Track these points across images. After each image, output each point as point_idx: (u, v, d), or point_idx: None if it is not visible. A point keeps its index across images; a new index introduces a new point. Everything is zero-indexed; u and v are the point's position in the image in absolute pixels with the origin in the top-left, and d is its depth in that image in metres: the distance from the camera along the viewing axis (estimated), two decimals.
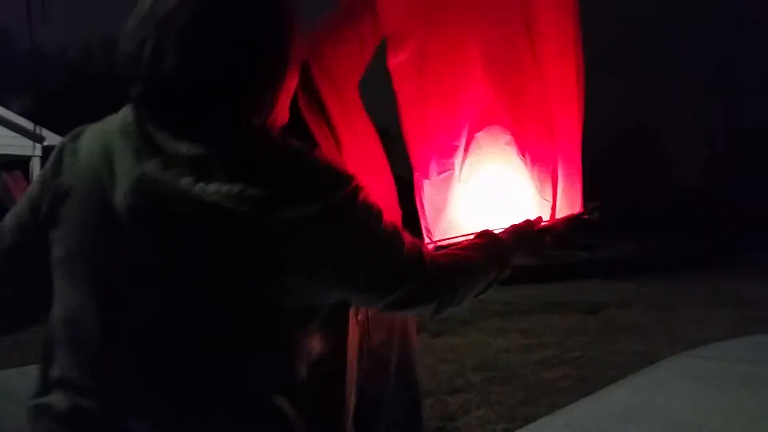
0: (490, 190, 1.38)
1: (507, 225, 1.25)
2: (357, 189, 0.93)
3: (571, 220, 1.36)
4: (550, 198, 1.37)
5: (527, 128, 1.37)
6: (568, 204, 1.40)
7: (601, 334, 7.23)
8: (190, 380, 0.89)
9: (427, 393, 4.40)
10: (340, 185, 0.91)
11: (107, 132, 0.97)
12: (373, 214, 0.95)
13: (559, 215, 1.35)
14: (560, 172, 1.39)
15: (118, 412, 0.89)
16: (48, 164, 1.00)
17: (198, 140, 0.88)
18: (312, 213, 0.87)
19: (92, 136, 0.99)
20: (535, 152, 1.37)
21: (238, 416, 0.90)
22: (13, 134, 12.24)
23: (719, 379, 5.19)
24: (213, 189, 0.85)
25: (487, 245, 1.14)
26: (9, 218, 1.02)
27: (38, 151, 12.35)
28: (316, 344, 0.97)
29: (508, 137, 1.36)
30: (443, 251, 1.12)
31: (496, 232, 1.20)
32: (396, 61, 1.41)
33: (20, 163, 12.29)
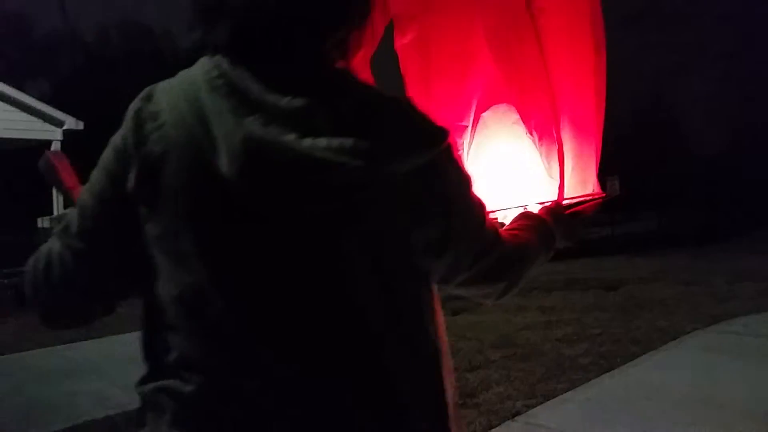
0: (498, 169, 1.37)
1: (517, 205, 1.24)
2: (451, 143, 0.89)
3: (597, 203, 1.36)
4: (557, 177, 1.36)
5: (534, 106, 1.37)
6: (581, 183, 1.39)
7: (622, 311, 7.21)
8: (330, 350, 0.84)
9: None
10: (442, 136, 0.86)
11: (191, 89, 0.86)
12: (464, 173, 0.93)
13: (569, 194, 1.35)
14: (572, 151, 1.38)
15: (253, 388, 0.84)
16: (124, 132, 0.88)
17: (297, 90, 0.81)
18: (421, 164, 0.83)
19: (172, 95, 0.87)
20: (543, 131, 1.37)
21: (385, 387, 0.86)
22: (34, 119, 12.35)
23: (742, 354, 5.16)
24: (323, 144, 0.78)
25: (538, 228, 1.13)
26: (87, 197, 0.91)
27: (58, 136, 12.47)
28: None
29: (515, 116, 1.36)
30: (507, 230, 1.10)
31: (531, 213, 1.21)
32: (402, 42, 1.42)
33: (41, 148, 12.42)
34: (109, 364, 5.50)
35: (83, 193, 0.92)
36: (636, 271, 10.05)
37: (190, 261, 0.84)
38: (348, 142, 0.78)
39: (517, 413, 4.04)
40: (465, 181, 0.93)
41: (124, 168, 0.87)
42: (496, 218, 1.05)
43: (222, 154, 0.80)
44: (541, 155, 1.36)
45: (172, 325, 0.86)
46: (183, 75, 0.89)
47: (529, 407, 4.13)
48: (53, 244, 0.92)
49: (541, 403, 4.22)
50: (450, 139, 0.87)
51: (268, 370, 0.84)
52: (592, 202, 1.35)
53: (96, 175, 0.91)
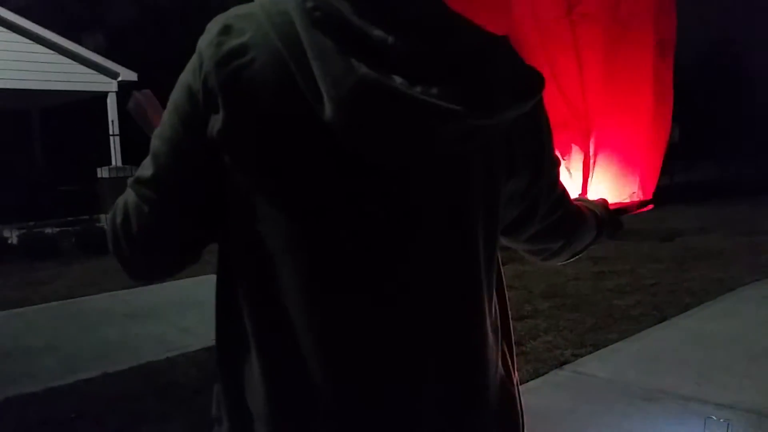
0: None
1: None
2: None
3: (642, 206, 1.37)
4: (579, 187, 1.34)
5: (563, 117, 1.31)
6: (617, 192, 1.36)
7: (677, 261, 7.05)
8: (454, 306, 0.83)
9: None
10: (542, 82, 0.80)
11: (282, 21, 0.75)
12: (550, 124, 0.91)
13: (603, 196, 1.31)
14: (609, 163, 1.34)
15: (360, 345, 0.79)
16: (202, 71, 0.77)
17: (404, 26, 0.74)
18: (522, 113, 0.79)
19: (259, 27, 0.77)
20: (569, 140, 1.32)
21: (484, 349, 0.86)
22: (90, 71, 12.63)
23: None
24: (435, 92, 0.71)
25: (593, 210, 1.13)
26: (159, 144, 0.82)
27: (114, 87, 12.74)
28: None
29: None
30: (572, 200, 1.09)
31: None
32: None
33: (98, 99, 12.74)
34: (168, 308, 5.71)
35: (154, 139, 0.83)
36: (694, 222, 9.78)
37: (296, 218, 0.77)
38: (461, 90, 0.73)
39: (565, 362, 4.05)
40: (551, 135, 0.91)
41: (204, 111, 0.77)
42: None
43: (326, 99, 0.72)
44: (564, 167, 1.32)
45: (269, 285, 0.79)
46: (266, 1, 0.78)
47: (577, 357, 4.13)
48: (128, 196, 0.85)
49: (591, 352, 4.21)
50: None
51: (383, 330, 0.79)
52: (636, 203, 1.36)
53: (168, 118, 0.81)
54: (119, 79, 12.81)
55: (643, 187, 1.39)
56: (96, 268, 7.87)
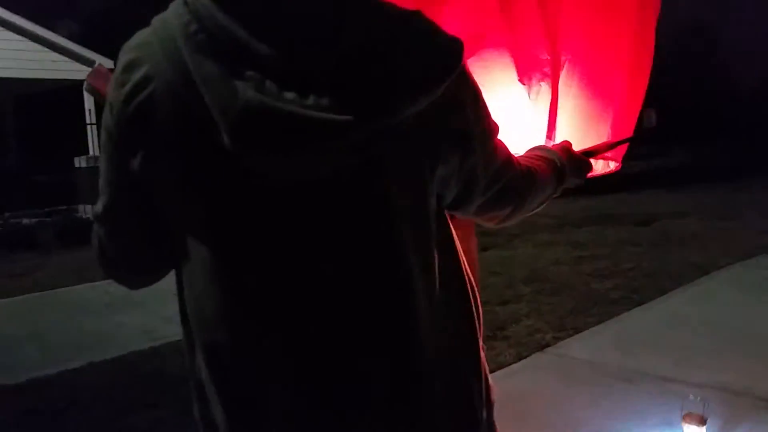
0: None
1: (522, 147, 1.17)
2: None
3: (612, 146, 1.30)
4: (544, 127, 1.27)
5: (529, 53, 1.24)
6: (588, 134, 1.30)
7: (655, 246, 7.17)
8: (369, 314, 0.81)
9: None
10: (458, 58, 0.77)
11: (171, 47, 0.74)
12: (477, 92, 0.86)
13: (576, 140, 1.24)
14: (580, 103, 1.28)
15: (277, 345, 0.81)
16: (113, 112, 0.80)
17: (291, 26, 0.72)
18: (437, 99, 0.76)
19: (153, 55, 0.76)
20: (537, 78, 1.26)
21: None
22: (64, 59, 12.42)
23: None
24: (326, 103, 0.70)
25: (550, 161, 1.10)
26: (103, 183, 0.87)
27: None
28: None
29: (507, 59, 1.23)
30: (518, 156, 1.05)
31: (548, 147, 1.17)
32: None
33: (73, 88, 12.55)
34: (150, 298, 5.65)
35: (100, 178, 0.88)
36: (670, 206, 9.93)
37: (216, 243, 0.79)
38: (356, 96, 0.71)
39: (547, 345, 4.11)
40: (480, 105, 0.87)
41: (122, 149, 0.80)
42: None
43: (221, 127, 0.71)
44: (532, 99, 1.26)
45: (205, 293, 0.82)
46: (158, 26, 0.78)
47: (558, 340, 4.20)
48: (96, 227, 0.92)
49: (571, 335, 4.28)
50: (464, 56, 0.79)
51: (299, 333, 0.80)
52: (605, 143, 1.29)
53: (102, 163, 0.86)
54: (95, 66, 12.62)
55: (615, 128, 1.33)
56: (76, 259, 7.79)
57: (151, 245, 0.89)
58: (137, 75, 0.77)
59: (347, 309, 0.80)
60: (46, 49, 12.12)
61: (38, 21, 12.30)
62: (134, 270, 0.94)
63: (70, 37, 13.25)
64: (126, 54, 0.80)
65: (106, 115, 0.81)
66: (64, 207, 11.26)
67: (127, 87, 0.77)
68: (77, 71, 12.49)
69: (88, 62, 12.58)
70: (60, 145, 12.92)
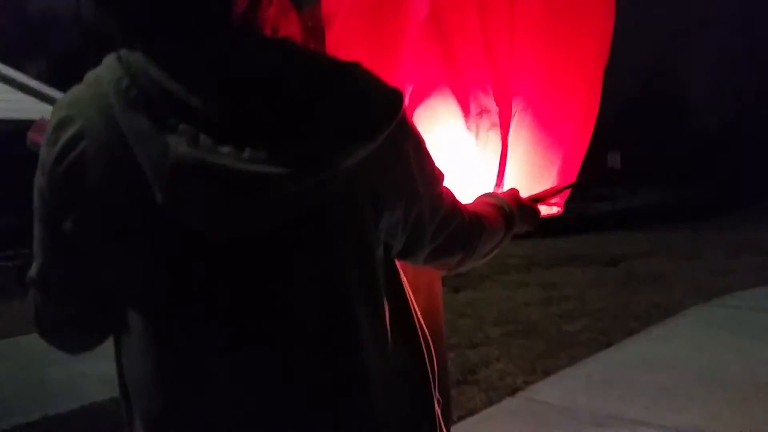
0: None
1: (466, 194, 1.16)
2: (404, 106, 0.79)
3: (558, 191, 1.30)
4: (495, 171, 1.26)
5: (477, 96, 1.22)
6: (539, 177, 1.29)
7: (622, 286, 7.24)
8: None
9: (448, 347, 4.46)
10: (396, 108, 0.77)
11: (103, 103, 0.73)
12: (420, 141, 0.85)
13: (521, 188, 1.24)
14: (531, 144, 1.27)
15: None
16: (45, 173, 0.78)
17: (225, 82, 0.71)
18: (376, 149, 0.75)
19: (86, 112, 0.75)
20: (486, 122, 1.24)
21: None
22: (31, 99, 12.28)
23: (741, 328, 5.20)
24: (262, 156, 0.68)
25: (500, 207, 1.10)
26: (36, 248, 0.85)
27: None
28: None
29: (453, 105, 1.21)
30: (467, 204, 1.05)
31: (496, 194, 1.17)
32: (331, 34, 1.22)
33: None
34: (113, 347, 5.52)
35: (34, 241, 0.84)
36: (636, 246, 10.08)
37: (149, 301, 0.77)
38: (293, 148, 0.70)
39: (518, 389, 4.09)
40: (423, 153, 0.86)
41: (55, 210, 0.78)
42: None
43: (154, 184, 0.70)
44: (480, 147, 1.24)
45: (141, 358, 0.80)
46: (91, 82, 0.77)
47: (529, 383, 4.18)
48: (32, 292, 0.88)
49: (542, 379, 4.27)
50: (404, 100, 0.78)
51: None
52: (552, 189, 1.29)
53: (35, 224, 0.83)
54: None
55: (562, 173, 1.32)
56: None
57: (94, 306, 0.85)
58: (68, 133, 0.75)
59: (291, 370, 0.77)
60: (10, 88, 11.99)
61: (6, 61, 12.20)
62: (81, 329, 0.90)
63: (38, 78, 13.14)
64: (58, 111, 0.78)
65: (38, 175, 0.79)
66: (27, 251, 10.97)
67: (58, 146, 0.75)
68: (43, 111, 12.35)
69: (54, 102, 12.45)
70: (25, 187, 12.68)
